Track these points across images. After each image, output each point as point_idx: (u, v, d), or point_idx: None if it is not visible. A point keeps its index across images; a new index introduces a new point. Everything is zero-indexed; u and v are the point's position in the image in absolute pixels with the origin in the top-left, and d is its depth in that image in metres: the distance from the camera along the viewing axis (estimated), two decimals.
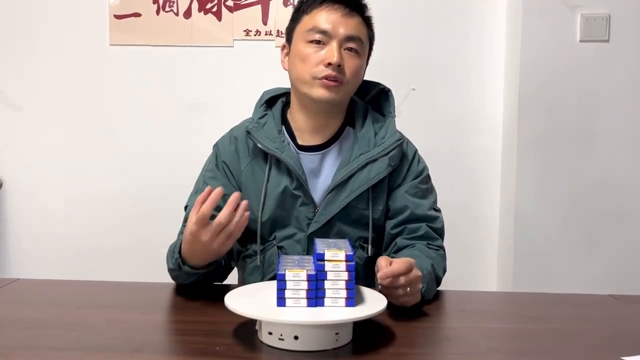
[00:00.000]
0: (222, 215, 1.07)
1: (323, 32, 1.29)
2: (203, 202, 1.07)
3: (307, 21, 1.32)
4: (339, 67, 1.27)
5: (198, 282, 1.25)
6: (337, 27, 1.29)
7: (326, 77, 1.27)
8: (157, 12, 2.40)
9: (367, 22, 1.36)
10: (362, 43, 1.32)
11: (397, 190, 1.36)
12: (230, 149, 1.39)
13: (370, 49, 1.39)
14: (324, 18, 1.30)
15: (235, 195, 1.07)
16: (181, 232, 1.34)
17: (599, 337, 1.07)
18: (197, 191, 1.38)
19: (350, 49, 1.30)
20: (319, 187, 1.34)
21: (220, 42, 2.40)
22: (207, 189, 1.08)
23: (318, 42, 1.29)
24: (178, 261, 1.19)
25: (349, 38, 1.29)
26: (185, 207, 1.39)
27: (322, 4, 1.31)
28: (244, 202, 1.09)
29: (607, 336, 1.07)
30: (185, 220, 1.36)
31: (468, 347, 1.00)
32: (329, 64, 1.27)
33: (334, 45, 1.28)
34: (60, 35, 2.42)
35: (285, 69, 1.38)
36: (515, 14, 2.26)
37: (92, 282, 1.36)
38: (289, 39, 1.37)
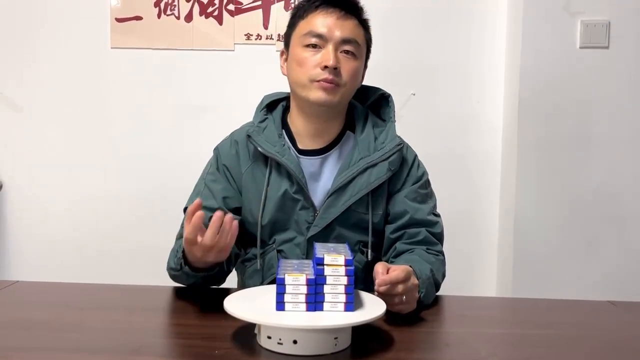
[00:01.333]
0: (206, 238, 1.06)
1: (319, 36, 1.30)
2: (193, 212, 1.06)
3: (303, 26, 1.33)
4: (335, 69, 1.28)
5: (197, 285, 1.25)
6: (333, 30, 1.29)
7: (323, 80, 1.28)
8: (159, 16, 2.40)
9: (364, 24, 1.36)
10: (358, 46, 1.32)
11: (397, 195, 1.37)
12: (231, 152, 1.39)
13: (368, 51, 1.39)
14: (320, 22, 1.30)
15: (217, 215, 1.06)
16: (179, 237, 1.34)
17: (597, 343, 1.07)
18: (197, 193, 1.38)
19: (346, 52, 1.31)
20: (319, 191, 1.34)
21: (221, 46, 2.41)
22: (197, 201, 1.07)
23: (314, 45, 1.30)
24: (180, 261, 1.19)
25: (345, 41, 1.30)
26: (185, 209, 1.39)
27: (318, 9, 1.32)
28: (228, 217, 1.07)
29: (606, 342, 1.07)
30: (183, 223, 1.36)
31: (467, 352, 1.00)
32: (326, 67, 1.27)
33: (330, 48, 1.29)
34: (61, 37, 2.43)
35: (284, 75, 1.38)
36: (516, 20, 2.26)
37: (92, 285, 1.36)
38: (286, 45, 1.38)
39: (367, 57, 1.40)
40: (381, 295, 1.08)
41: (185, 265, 1.19)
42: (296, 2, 1.41)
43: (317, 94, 1.29)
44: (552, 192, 2.24)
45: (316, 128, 1.36)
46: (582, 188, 2.23)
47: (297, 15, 1.36)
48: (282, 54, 1.40)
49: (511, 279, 2.26)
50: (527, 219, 2.25)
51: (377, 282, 1.07)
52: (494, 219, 2.43)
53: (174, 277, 1.28)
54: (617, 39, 2.18)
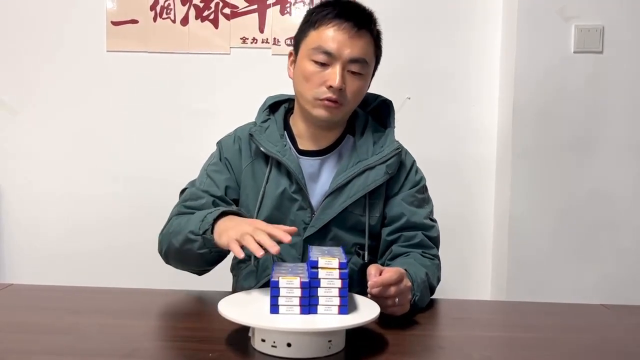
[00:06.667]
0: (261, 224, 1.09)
1: (327, 54, 1.28)
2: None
3: (313, 37, 1.31)
4: (340, 90, 1.28)
5: (193, 260, 1.24)
6: (343, 49, 1.28)
7: (327, 99, 1.28)
8: (154, 19, 2.40)
9: (376, 39, 1.35)
10: (367, 64, 1.31)
11: (394, 198, 1.38)
12: (234, 147, 1.41)
13: (377, 64, 1.39)
14: (331, 37, 1.28)
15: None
16: (177, 213, 1.34)
17: (590, 346, 1.07)
18: (200, 182, 1.38)
19: (354, 72, 1.30)
20: (317, 191, 1.35)
21: (217, 50, 2.41)
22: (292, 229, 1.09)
23: (322, 63, 1.29)
24: (208, 226, 1.14)
25: (353, 60, 1.29)
26: (182, 191, 1.41)
27: (331, 21, 1.29)
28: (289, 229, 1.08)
29: (599, 346, 1.07)
30: (184, 201, 1.36)
31: (461, 355, 1.01)
32: (331, 86, 1.27)
33: (337, 68, 1.27)
34: (57, 41, 2.42)
35: (291, 77, 1.38)
36: (510, 25, 2.27)
37: (85, 288, 1.36)
38: (295, 49, 1.37)
39: (375, 69, 1.39)
40: (374, 297, 1.08)
41: (211, 234, 1.14)
42: (311, 5, 1.39)
43: (319, 112, 1.30)
44: (547, 196, 2.25)
45: (318, 132, 1.38)
46: (577, 192, 2.24)
47: (310, 22, 1.33)
48: (290, 55, 1.39)
49: (505, 282, 2.27)
50: (522, 223, 2.25)
51: (369, 283, 1.08)
52: (489, 223, 2.44)
53: (183, 243, 1.22)
54: (611, 43, 2.19)
